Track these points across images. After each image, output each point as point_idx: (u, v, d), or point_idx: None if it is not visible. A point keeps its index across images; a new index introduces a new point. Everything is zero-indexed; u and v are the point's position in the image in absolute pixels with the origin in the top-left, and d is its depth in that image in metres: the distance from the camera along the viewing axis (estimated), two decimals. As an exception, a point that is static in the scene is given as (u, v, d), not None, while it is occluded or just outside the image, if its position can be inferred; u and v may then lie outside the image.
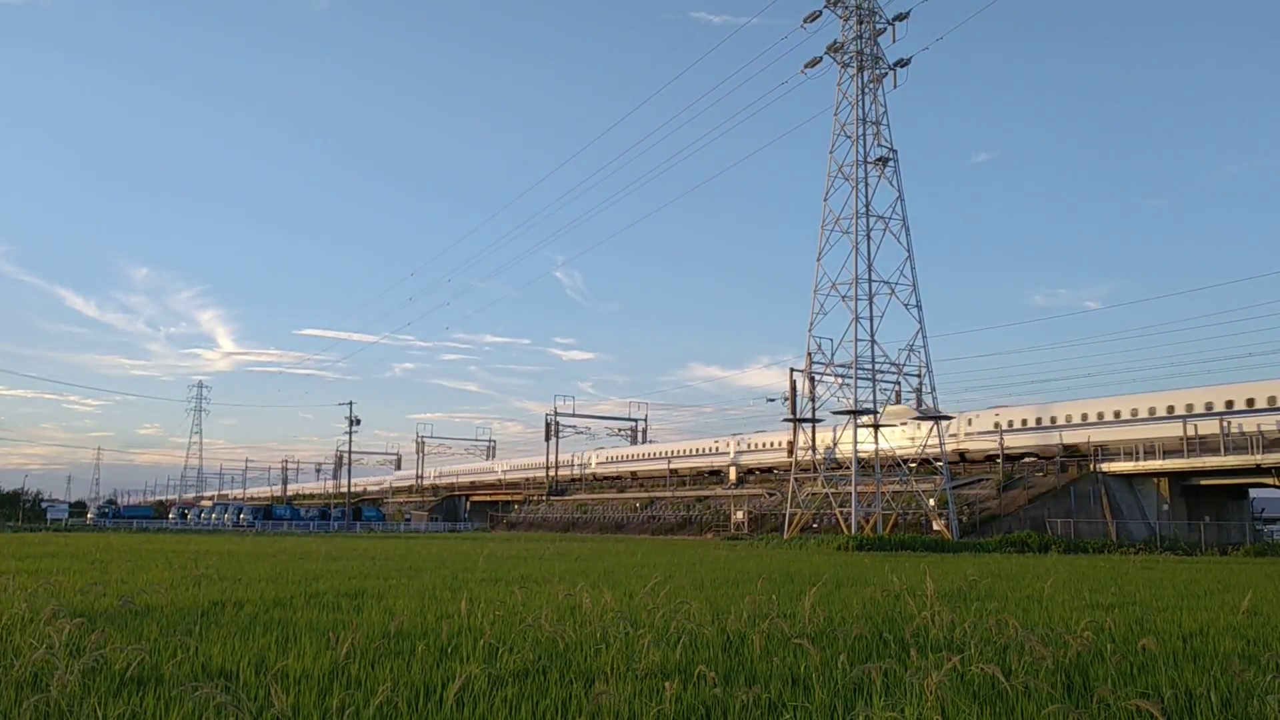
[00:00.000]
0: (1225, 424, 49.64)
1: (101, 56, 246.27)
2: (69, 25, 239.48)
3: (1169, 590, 19.51)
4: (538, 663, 8.82)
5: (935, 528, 51.99)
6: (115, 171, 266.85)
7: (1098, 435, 55.89)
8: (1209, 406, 51.26)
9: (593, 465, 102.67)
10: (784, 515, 58.22)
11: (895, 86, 55.64)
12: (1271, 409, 48.44)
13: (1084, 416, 57.89)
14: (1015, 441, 60.54)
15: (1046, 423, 59.79)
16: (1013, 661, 9.03)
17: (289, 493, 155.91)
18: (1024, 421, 61.04)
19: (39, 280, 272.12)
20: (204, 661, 8.89)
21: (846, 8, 55.63)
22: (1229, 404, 50.29)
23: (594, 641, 10.01)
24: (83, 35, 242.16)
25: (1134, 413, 54.84)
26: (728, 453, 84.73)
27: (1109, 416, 56.35)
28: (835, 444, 57.09)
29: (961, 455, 62.63)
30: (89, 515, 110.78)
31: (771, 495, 70.09)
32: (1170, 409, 53.04)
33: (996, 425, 61.96)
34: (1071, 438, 57.55)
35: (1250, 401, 49.52)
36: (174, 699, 6.97)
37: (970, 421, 63.41)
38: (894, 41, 55.30)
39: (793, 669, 8.65)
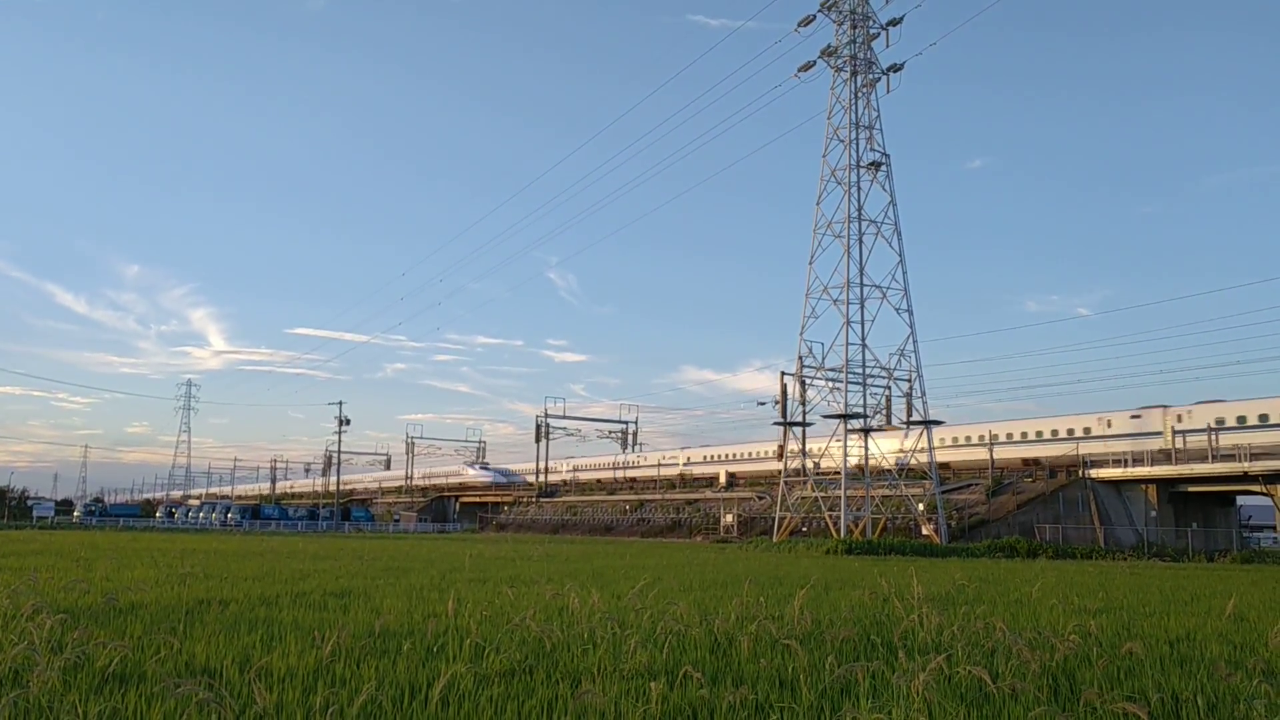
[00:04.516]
0: (1214, 436, 49.96)
1: (96, 51, 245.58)
2: (63, 20, 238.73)
3: (1156, 596, 19.57)
4: (524, 662, 8.77)
5: (924, 532, 52.09)
6: (107, 168, 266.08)
7: (1085, 448, 56.25)
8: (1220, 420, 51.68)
9: (562, 472, 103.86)
10: (773, 518, 58.25)
11: (888, 91, 55.96)
12: (1261, 426, 48.84)
13: (1070, 431, 58.24)
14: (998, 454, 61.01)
15: (1030, 435, 60.35)
16: (1000, 664, 9.02)
17: (278, 492, 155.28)
18: (1009, 435, 61.59)
19: (28, 276, 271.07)
20: (187, 659, 8.82)
21: (840, 12, 55.79)
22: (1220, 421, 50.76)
23: (581, 642, 9.97)
24: (78, 29, 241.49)
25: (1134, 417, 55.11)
26: (676, 463, 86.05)
27: (1095, 429, 56.76)
28: (823, 455, 56.81)
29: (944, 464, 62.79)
30: (75, 513, 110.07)
31: (761, 499, 70.13)
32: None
33: (982, 438, 62.55)
34: (1059, 451, 57.94)
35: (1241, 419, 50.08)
36: (156, 696, 6.91)
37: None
38: (887, 46, 55.64)
39: (780, 670, 8.63)
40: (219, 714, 6.25)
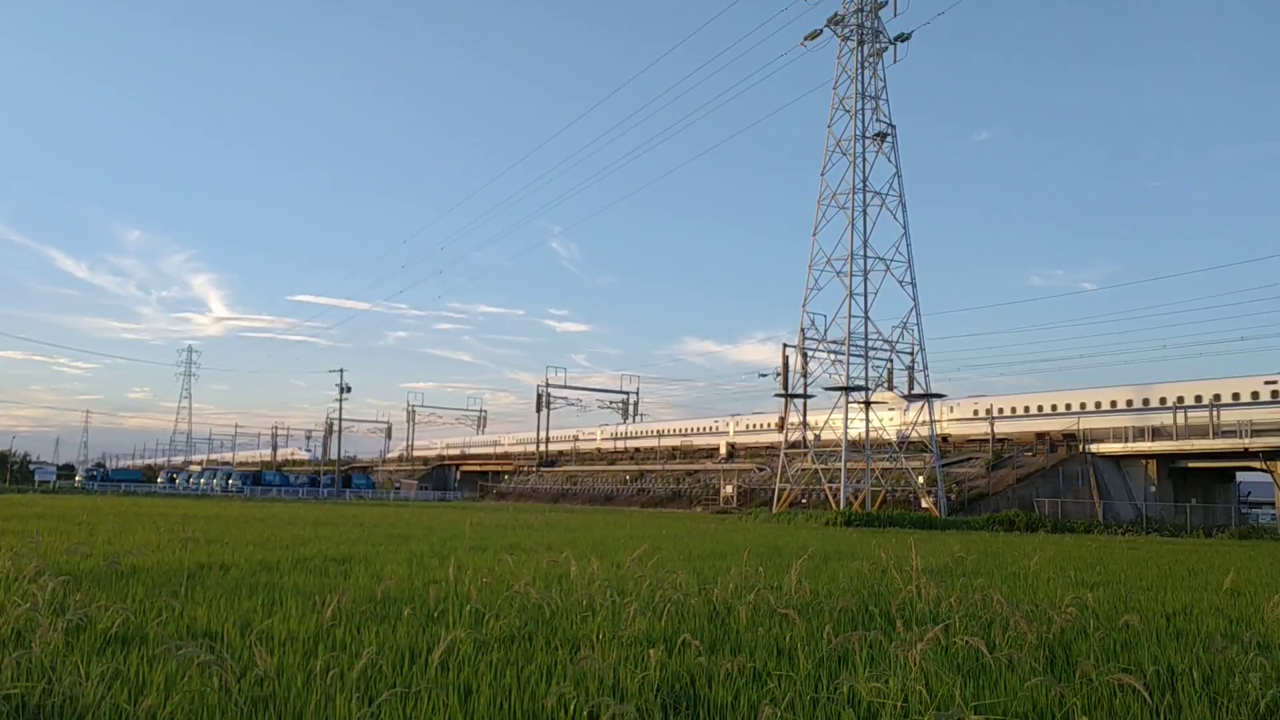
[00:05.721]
0: (1215, 413, 49.98)
1: (96, 12, 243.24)
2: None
3: (1153, 570, 19.64)
4: (524, 629, 8.82)
5: (924, 505, 52.27)
6: (107, 131, 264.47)
7: (1086, 423, 56.35)
8: (1198, 399, 51.57)
9: (598, 440, 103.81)
10: (773, 490, 58.46)
11: (895, 61, 55.43)
12: (1256, 403, 48.83)
13: (1068, 406, 58.21)
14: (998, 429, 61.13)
15: (1032, 410, 60.37)
16: (997, 636, 9.05)
17: (279, 459, 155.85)
18: (1012, 410, 61.62)
19: (29, 241, 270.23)
20: (189, 622, 8.86)
21: (847, -20, 55.19)
22: (1216, 396, 50.66)
23: (580, 609, 10.02)
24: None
25: (1128, 403, 55.08)
26: (726, 432, 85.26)
27: (1094, 406, 56.74)
28: (823, 427, 56.84)
29: (944, 438, 62.85)
30: (77, 478, 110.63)
31: (761, 470, 70.32)
32: (1162, 400, 53.50)
33: (975, 413, 62.71)
34: (1060, 425, 58.01)
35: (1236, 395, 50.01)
36: (157, 658, 6.95)
37: (951, 409, 64.07)
38: (895, 15, 55.03)
39: (778, 639, 8.67)
40: (220, 676, 6.29)
